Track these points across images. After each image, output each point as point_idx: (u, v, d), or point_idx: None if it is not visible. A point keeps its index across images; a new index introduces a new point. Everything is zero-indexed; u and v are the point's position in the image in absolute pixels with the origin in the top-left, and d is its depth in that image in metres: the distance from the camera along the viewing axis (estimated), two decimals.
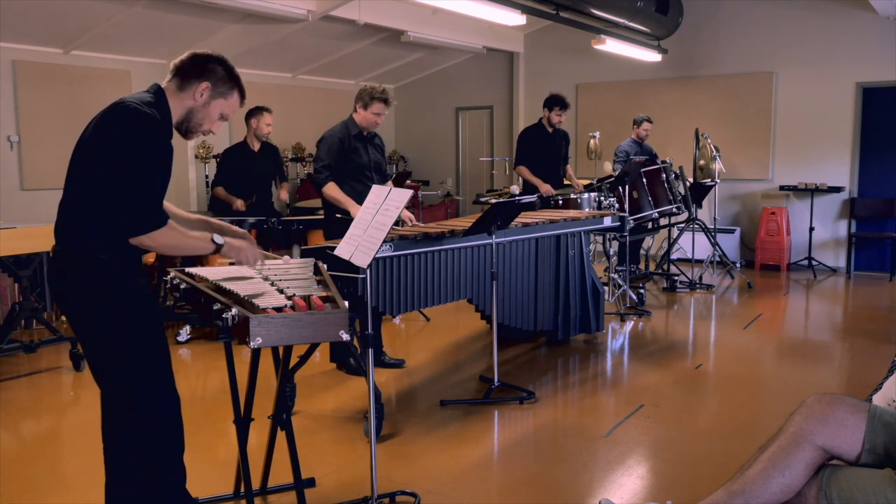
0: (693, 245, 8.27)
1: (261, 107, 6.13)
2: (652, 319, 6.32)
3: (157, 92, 2.45)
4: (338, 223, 4.59)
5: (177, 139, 2.51)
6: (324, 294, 2.53)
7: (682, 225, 7.83)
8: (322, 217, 5.90)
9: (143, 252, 2.47)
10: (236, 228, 2.78)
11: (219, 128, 2.62)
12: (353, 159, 4.68)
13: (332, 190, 4.61)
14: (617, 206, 6.55)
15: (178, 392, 2.57)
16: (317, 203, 7.26)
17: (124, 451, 2.53)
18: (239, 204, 5.99)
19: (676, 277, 7.67)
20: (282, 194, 6.39)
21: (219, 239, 2.49)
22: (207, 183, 7.72)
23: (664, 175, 7.01)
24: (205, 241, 2.47)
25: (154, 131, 2.33)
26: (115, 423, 2.54)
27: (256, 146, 6.19)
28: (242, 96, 2.61)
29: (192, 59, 2.49)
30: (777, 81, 8.69)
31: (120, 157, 2.28)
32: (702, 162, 8.00)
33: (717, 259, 8.23)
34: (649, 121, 7.79)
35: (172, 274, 2.84)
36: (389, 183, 4.97)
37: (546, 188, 6.54)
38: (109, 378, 2.47)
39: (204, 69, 2.48)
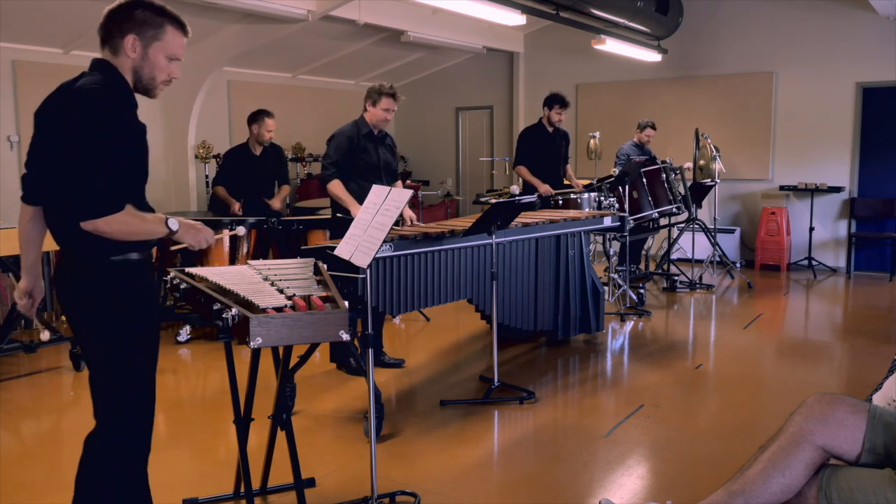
0: (693, 245, 8.27)
1: (262, 112, 6.09)
2: (652, 319, 6.32)
3: (102, 65, 2.27)
4: (339, 222, 4.61)
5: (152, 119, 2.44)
6: (324, 294, 2.53)
7: (682, 225, 7.83)
8: (324, 217, 5.93)
9: (151, 250, 2.39)
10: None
11: (178, 71, 2.37)
12: (362, 158, 4.70)
13: (335, 187, 4.64)
14: (617, 206, 6.55)
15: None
16: (317, 203, 7.26)
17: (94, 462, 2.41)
18: (236, 207, 5.99)
19: (676, 277, 7.67)
20: (274, 203, 6.12)
21: (173, 224, 2.27)
22: (207, 183, 7.72)
23: (664, 175, 7.01)
24: (159, 224, 2.26)
25: (110, 108, 2.16)
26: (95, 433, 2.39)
27: (258, 150, 6.18)
28: (179, 25, 2.32)
29: (108, 18, 2.27)
30: (777, 81, 8.69)
31: (81, 141, 2.12)
32: (702, 162, 8.00)
33: (717, 259, 8.23)
34: (653, 127, 7.77)
35: (172, 274, 2.84)
36: (398, 183, 5.00)
37: (545, 188, 6.54)
38: (104, 384, 2.32)
39: (122, 22, 2.25)
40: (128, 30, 2.24)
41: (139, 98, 2.36)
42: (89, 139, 2.12)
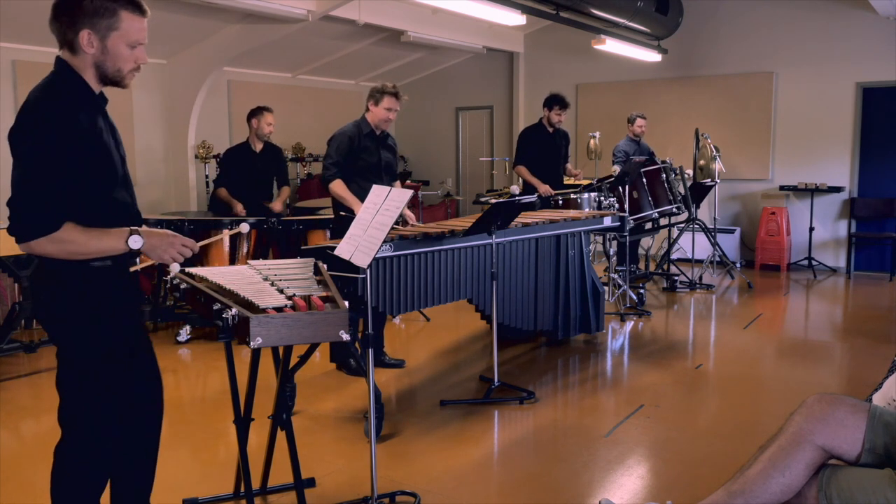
0: (693, 245, 8.27)
1: (261, 107, 6.15)
2: (652, 319, 6.32)
3: (58, 65, 2.14)
4: (342, 220, 4.62)
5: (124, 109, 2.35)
6: (324, 294, 2.53)
7: (682, 225, 7.83)
8: (324, 217, 5.93)
9: (131, 259, 2.27)
10: None
11: (144, 55, 2.21)
12: (364, 158, 4.70)
13: (337, 187, 4.64)
14: (617, 206, 6.56)
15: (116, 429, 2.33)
16: (317, 203, 7.26)
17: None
18: (239, 208, 6.00)
19: (676, 277, 7.67)
20: (275, 206, 6.11)
21: (135, 242, 2.10)
22: (207, 183, 7.72)
23: (664, 175, 7.01)
24: (116, 240, 2.10)
25: (47, 119, 2.00)
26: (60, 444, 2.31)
27: (258, 147, 6.20)
28: (135, 7, 2.14)
29: (55, 14, 2.10)
30: (777, 81, 8.69)
31: (17, 154, 2.02)
32: (702, 162, 8.00)
33: (717, 259, 8.23)
34: (642, 117, 7.78)
35: (172, 274, 2.84)
36: (397, 183, 5.00)
37: (544, 188, 6.54)
38: (73, 391, 2.24)
39: (73, 18, 2.07)
40: (80, 25, 2.07)
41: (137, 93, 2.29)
42: (24, 152, 1.99)
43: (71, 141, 2.03)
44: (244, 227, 2.89)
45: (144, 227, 2.19)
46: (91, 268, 2.13)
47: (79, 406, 2.24)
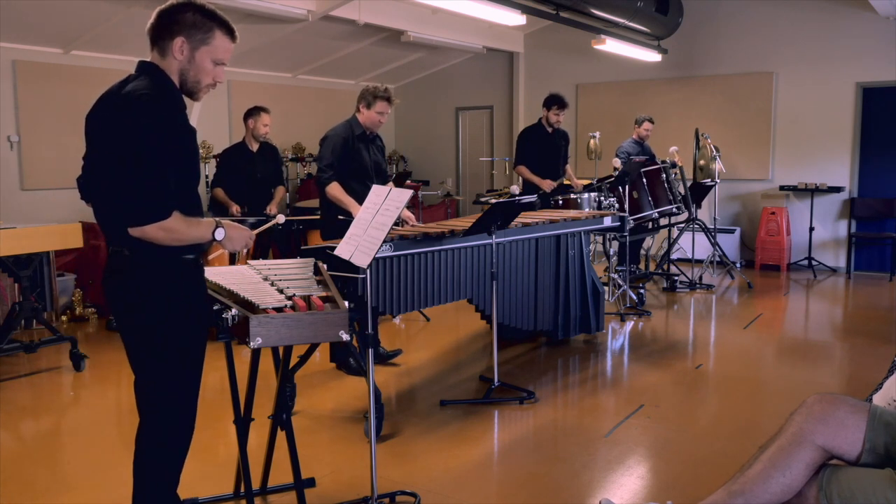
0: (693, 245, 8.27)
1: (258, 107, 6.14)
2: (652, 319, 6.32)
3: (149, 68, 2.28)
4: (339, 224, 4.58)
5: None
6: (324, 294, 2.53)
7: (682, 225, 7.83)
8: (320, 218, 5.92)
9: (203, 251, 2.39)
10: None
11: (223, 75, 2.37)
12: (357, 159, 4.69)
13: (335, 190, 4.61)
14: (617, 206, 6.55)
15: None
16: (317, 203, 7.25)
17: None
18: (235, 210, 5.99)
19: (676, 277, 7.67)
20: (271, 208, 6.09)
21: (219, 234, 2.29)
22: (207, 183, 7.72)
23: (664, 175, 7.01)
24: (207, 230, 2.27)
25: (159, 114, 2.15)
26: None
27: (255, 146, 6.20)
28: (228, 31, 2.32)
29: (158, 18, 2.26)
30: (777, 81, 8.69)
31: (128, 148, 2.14)
32: (702, 162, 8.00)
33: (717, 259, 8.23)
34: (651, 121, 7.80)
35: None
36: (390, 183, 4.98)
37: (546, 184, 6.54)
38: (156, 383, 2.37)
39: (172, 24, 2.24)
40: (177, 32, 2.24)
41: None
42: (138, 146, 2.12)
43: (181, 138, 2.22)
44: (280, 219, 2.94)
45: (224, 220, 2.36)
46: (183, 260, 2.28)
47: (172, 392, 2.41)
